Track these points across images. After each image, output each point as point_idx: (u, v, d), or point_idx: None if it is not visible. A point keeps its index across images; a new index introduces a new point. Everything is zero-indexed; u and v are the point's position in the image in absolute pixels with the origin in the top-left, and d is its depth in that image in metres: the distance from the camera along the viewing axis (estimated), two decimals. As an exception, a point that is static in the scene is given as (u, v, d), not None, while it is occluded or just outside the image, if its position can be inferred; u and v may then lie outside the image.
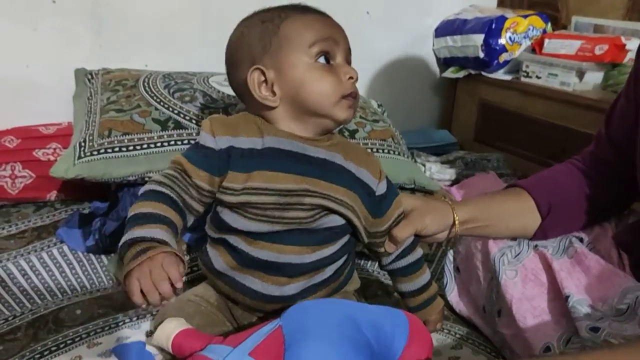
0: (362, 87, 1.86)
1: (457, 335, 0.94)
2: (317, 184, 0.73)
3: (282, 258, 0.73)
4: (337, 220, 0.75)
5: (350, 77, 0.74)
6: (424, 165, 1.59)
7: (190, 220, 0.73)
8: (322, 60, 0.74)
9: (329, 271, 0.76)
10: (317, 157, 0.75)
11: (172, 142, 1.17)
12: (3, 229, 1.16)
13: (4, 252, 1.07)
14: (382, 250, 0.83)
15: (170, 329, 0.71)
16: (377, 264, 0.95)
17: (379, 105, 1.62)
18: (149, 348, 0.75)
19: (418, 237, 0.85)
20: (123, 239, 0.64)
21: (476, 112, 1.89)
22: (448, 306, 0.99)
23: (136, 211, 0.67)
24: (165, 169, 0.73)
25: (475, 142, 1.90)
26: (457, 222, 0.84)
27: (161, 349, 0.73)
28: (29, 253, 1.08)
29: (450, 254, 1.02)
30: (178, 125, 1.19)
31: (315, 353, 0.58)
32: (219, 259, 0.76)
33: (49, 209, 1.25)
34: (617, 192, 0.90)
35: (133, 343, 0.70)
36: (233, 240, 0.74)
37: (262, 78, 0.74)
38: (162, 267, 0.60)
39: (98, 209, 1.20)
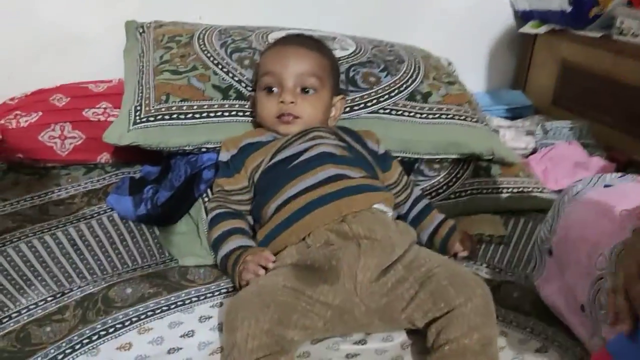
0: (429, 43, 1.71)
1: (542, 336, 0.83)
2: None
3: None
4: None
5: (282, 101, 0.98)
6: (497, 132, 1.45)
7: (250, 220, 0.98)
8: (265, 90, 1.01)
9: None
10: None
11: (234, 113, 1.09)
12: (53, 192, 1.12)
13: (53, 219, 1.03)
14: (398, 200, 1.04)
15: None
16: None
17: (449, 64, 1.47)
18: None
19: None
20: (220, 255, 0.90)
21: (556, 73, 1.71)
22: (532, 298, 0.89)
23: (217, 234, 0.93)
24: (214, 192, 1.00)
25: (552, 106, 1.73)
26: None
27: None
28: (78, 220, 1.03)
29: (542, 233, 0.90)
30: (240, 96, 1.11)
31: None
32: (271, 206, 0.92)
33: (99, 171, 1.20)
34: None
35: None
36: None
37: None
38: (252, 261, 0.84)
39: (149, 173, 1.14)
